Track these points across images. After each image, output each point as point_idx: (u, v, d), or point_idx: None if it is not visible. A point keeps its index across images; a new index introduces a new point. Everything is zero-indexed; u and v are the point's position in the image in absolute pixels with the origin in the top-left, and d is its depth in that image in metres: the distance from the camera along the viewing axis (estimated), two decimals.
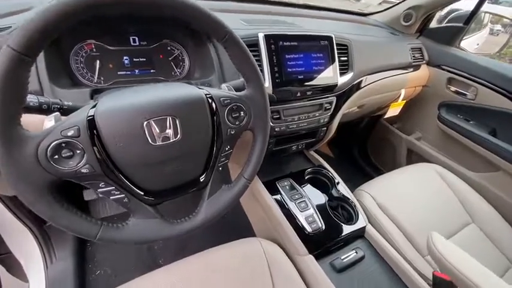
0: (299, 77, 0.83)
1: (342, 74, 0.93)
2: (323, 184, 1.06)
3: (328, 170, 1.08)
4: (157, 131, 0.44)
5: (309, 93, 0.86)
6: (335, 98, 0.94)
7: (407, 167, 1.26)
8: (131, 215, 0.49)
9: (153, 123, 0.44)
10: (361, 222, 0.93)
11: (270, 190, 0.94)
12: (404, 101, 1.41)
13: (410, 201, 1.06)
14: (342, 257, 0.83)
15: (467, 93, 1.27)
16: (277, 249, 0.80)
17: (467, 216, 1.09)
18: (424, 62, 1.34)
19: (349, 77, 0.96)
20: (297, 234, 0.83)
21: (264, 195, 0.92)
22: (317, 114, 0.92)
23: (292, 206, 0.89)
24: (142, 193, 0.49)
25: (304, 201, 0.91)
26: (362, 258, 0.85)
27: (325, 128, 1.02)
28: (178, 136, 0.46)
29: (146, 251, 1.18)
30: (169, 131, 0.45)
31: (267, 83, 0.77)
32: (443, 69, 1.32)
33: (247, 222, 1.11)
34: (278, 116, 0.84)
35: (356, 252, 0.86)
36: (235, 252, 0.77)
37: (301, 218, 0.87)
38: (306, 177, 1.04)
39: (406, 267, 0.82)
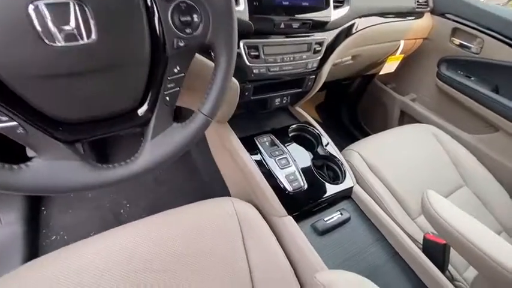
0: (284, 3, 0.66)
1: (336, 7, 0.77)
2: (309, 142, 0.94)
3: (314, 127, 0.95)
4: (53, 22, 0.29)
5: (295, 25, 0.70)
6: (326, 37, 0.79)
7: (401, 127, 1.16)
8: (36, 155, 0.35)
9: (45, 9, 0.28)
10: (348, 182, 0.83)
11: (247, 147, 0.81)
12: (402, 56, 1.27)
13: (402, 162, 0.97)
14: (325, 219, 0.74)
15: (472, 45, 1.14)
16: (250, 209, 0.69)
17: (460, 179, 1.02)
18: (428, 9, 1.18)
19: (345, 13, 0.80)
20: (276, 194, 0.72)
21: (240, 152, 0.79)
22: (304, 57, 0.77)
23: (271, 163, 0.77)
24: (48, 122, 0.34)
25: (285, 158, 0.80)
26: (347, 220, 0.76)
27: (313, 77, 0.87)
28: (93, 36, 0.31)
29: (112, 218, 1.06)
30: (74, 25, 0.30)
31: (242, 5, 0.61)
32: (448, 19, 1.17)
33: (223, 183, 0.99)
34: (257, 54, 0.69)
35: (341, 213, 0.76)
36: (202, 211, 0.66)
37: (281, 176, 0.75)
38: (289, 135, 0.91)
39: (396, 229, 0.74)
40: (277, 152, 0.80)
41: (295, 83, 0.87)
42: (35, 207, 1.00)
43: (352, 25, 0.87)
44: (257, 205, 0.76)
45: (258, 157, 0.79)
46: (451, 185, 0.99)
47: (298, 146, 0.87)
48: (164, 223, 0.62)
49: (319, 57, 0.81)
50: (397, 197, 0.87)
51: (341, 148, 1.00)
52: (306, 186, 0.76)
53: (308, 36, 0.75)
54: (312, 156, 0.87)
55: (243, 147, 0.80)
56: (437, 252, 0.69)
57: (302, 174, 0.78)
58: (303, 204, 0.74)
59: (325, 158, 0.88)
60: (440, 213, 0.59)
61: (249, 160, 0.78)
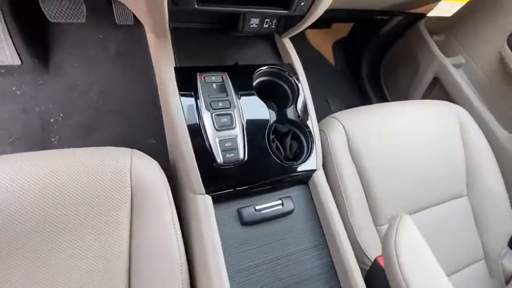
0: None
1: None
2: (280, 97, 0.68)
3: (296, 75, 0.67)
4: None
5: None
6: None
7: (419, 101, 0.85)
8: None
9: None
10: (311, 163, 0.61)
11: (182, 83, 0.56)
12: None
13: (398, 152, 0.72)
14: (258, 207, 0.56)
15: None
16: (153, 172, 0.51)
17: (464, 187, 0.79)
18: None
19: None
20: (198, 163, 0.52)
21: (168, 87, 0.55)
22: None
23: (206, 118, 0.54)
24: None
25: (229, 114, 0.55)
26: (288, 213, 0.58)
27: None
28: None
29: (39, 125, 0.90)
30: None
31: None
32: None
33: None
34: None
35: (282, 203, 0.58)
36: (92, 160, 0.47)
37: (213, 139, 0.53)
38: (255, 80, 0.64)
39: (341, 237, 0.57)
40: (220, 104, 0.55)
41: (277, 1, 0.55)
42: None
43: None
44: (177, 171, 0.57)
45: (190, 102, 0.55)
46: (449, 192, 0.77)
47: (260, 99, 0.61)
48: (45, 161, 0.45)
49: None
50: (370, 195, 0.67)
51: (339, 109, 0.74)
52: (245, 160, 0.55)
53: None
54: (275, 117, 0.62)
55: (174, 81, 0.55)
56: (381, 284, 0.53)
57: (247, 143, 0.56)
58: (232, 183, 0.54)
59: (293, 124, 0.64)
60: (401, 260, 0.39)
61: (174, 103, 0.54)
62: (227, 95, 0.57)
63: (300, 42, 1.36)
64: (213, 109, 0.54)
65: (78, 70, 0.99)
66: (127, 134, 0.94)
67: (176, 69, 0.57)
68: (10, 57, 0.90)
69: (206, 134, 0.53)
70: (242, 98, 0.59)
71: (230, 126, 0.54)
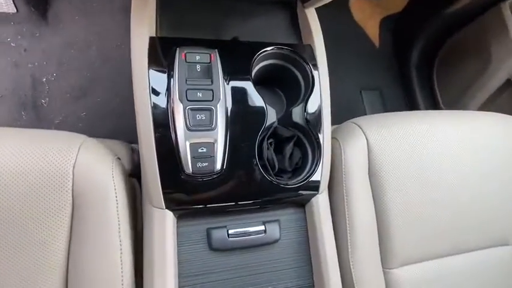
0: None
1: None
2: (289, 87, 0.52)
3: (314, 62, 0.50)
4: None
5: None
6: None
7: (481, 114, 0.64)
8: None
9: None
10: (313, 184, 0.47)
11: (154, 58, 0.42)
12: None
13: (440, 179, 0.55)
14: (233, 230, 0.44)
15: None
16: (105, 173, 0.40)
17: (509, 232, 0.61)
18: None
19: None
20: (161, 170, 0.40)
21: (136, 63, 0.42)
22: None
23: (177, 110, 0.41)
24: None
25: (209, 109, 0.41)
26: (271, 243, 0.46)
27: None
28: None
29: (30, 83, 0.83)
30: None
31: None
32: None
33: None
34: None
35: (265, 230, 0.45)
36: (27, 155, 0.38)
37: (182, 141, 0.40)
38: (256, 63, 0.48)
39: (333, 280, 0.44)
40: (200, 94, 0.41)
41: None
42: None
43: None
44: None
45: (161, 86, 0.42)
46: (490, 237, 0.59)
47: (258, 92, 0.46)
48: None
49: None
50: (384, 232, 0.52)
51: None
52: (222, 172, 0.42)
53: None
54: (278, 116, 0.48)
55: (145, 56, 0.42)
56: None
57: (229, 149, 0.43)
58: (201, 199, 0.42)
59: (299, 129, 0.49)
60: None
61: (140, 86, 0.41)
62: (212, 83, 0.42)
63: (338, 12, 1.12)
64: (188, 101, 0.41)
65: (78, 24, 0.89)
66: (120, 105, 0.85)
67: (152, 39, 0.43)
68: (4, 3, 0.81)
69: (175, 134, 0.40)
70: (233, 87, 0.44)
71: (208, 126, 0.41)
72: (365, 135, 0.52)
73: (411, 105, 1.14)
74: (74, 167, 0.38)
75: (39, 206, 0.37)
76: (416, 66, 1.11)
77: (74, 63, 0.86)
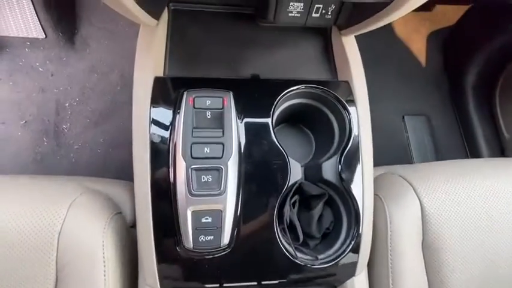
0: None
1: None
2: (322, 129, 0.42)
3: (352, 104, 0.40)
4: None
5: None
6: None
7: None
8: None
9: None
10: (348, 262, 0.37)
11: (157, 103, 0.36)
12: None
13: (502, 245, 0.41)
14: None
15: None
16: (93, 240, 0.34)
17: None
18: None
19: None
20: (156, 241, 0.33)
21: (137, 109, 0.36)
22: None
23: (179, 169, 0.33)
24: None
25: (217, 169, 0.33)
26: None
27: None
28: None
29: (54, 109, 0.82)
30: None
31: None
32: None
33: None
34: None
35: None
36: (14, 219, 0.33)
37: (183, 208, 0.32)
38: (280, 104, 0.40)
39: None
40: (207, 149, 0.33)
41: None
42: None
43: None
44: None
45: (163, 137, 0.35)
46: None
47: (279, 145, 0.37)
48: None
49: None
50: None
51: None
52: (232, 247, 0.34)
53: None
54: (303, 168, 0.38)
55: (147, 100, 0.36)
56: None
57: (240, 218, 0.34)
58: (203, 279, 0.34)
59: (331, 186, 0.39)
60: None
61: (139, 135, 0.35)
62: (223, 134, 0.34)
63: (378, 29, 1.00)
64: (193, 158, 0.33)
65: (103, 48, 0.88)
66: None
67: (157, 80, 0.37)
68: (34, 30, 0.82)
69: (175, 198, 0.33)
70: (249, 138, 0.36)
71: (215, 189, 0.33)
72: (418, 196, 0.41)
73: (466, 133, 0.96)
74: (59, 234, 0.33)
75: (23, 280, 0.31)
76: (474, 87, 0.94)
77: (97, 87, 0.85)
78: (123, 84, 0.86)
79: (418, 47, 1.05)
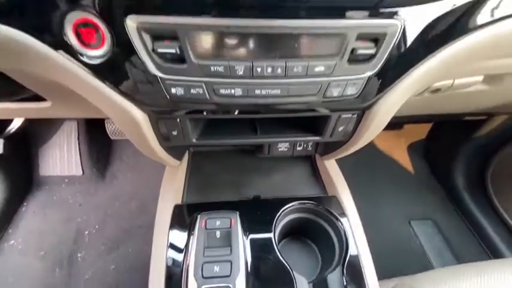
0: None
1: None
2: (324, 242, 0.46)
3: (343, 215, 0.46)
4: None
5: None
6: (396, 24, 0.29)
7: None
8: None
9: None
10: None
11: (176, 228, 0.42)
12: None
13: None
14: None
15: None
16: None
17: None
18: None
19: None
20: None
21: (158, 234, 0.42)
22: (321, 69, 0.31)
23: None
24: None
25: (226, 287, 0.36)
26: None
27: (351, 115, 0.38)
28: None
29: (73, 237, 0.88)
30: None
31: None
32: None
33: None
34: (175, 53, 0.28)
35: None
36: None
37: None
38: (281, 220, 0.46)
39: None
40: (216, 268, 0.37)
41: (306, 122, 0.41)
42: (17, 201, 0.93)
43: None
44: None
45: (178, 257, 0.39)
46: None
47: (283, 259, 0.40)
48: None
49: (370, 74, 0.32)
50: None
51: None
52: None
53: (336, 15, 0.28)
54: (310, 282, 0.39)
55: (167, 224, 0.42)
56: None
57: None
58: None
59: None
60: None
61: (157, 258, 0.39)
62: (231, 252, 0.39)
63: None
64: (204, 278, 0.36)
65: (128, 179, 1.03)
66: (149, 256, 0.82)
67: (176, 208, 0.45)
68: (75, 169, 0.99)
69: None
70: (255, 254, 0.40)
71: None
72: None
73: (476, 231, 0.95)
74: None
75: None
76: (467, 189, 0.99)
77: (116, 214, 0.93)
78: (140, 211, 0.95)
79: (403, 158, 1.19)
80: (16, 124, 0.90)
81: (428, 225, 0.95)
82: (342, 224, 0.44)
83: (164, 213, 0.44)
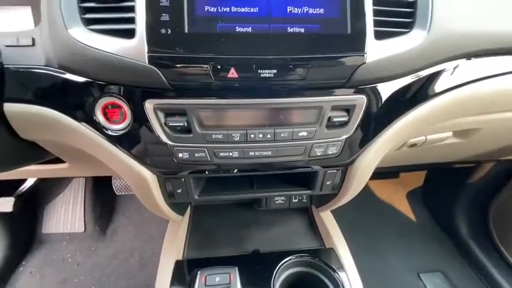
0: (241, 29, 0.31)
1: (385, 35, 0.34)
2: None
3: (340, 264, 0.47)
4: None
5: (271, 73, 0.32)
6: (363, 98, 0.36)
7: None
8: None
9: None
10: None
11: (175, 281, 0.43)
12: None
13: None
14: None
15: None
16: None
17: None
18: None
19: (413, 42, 0.35)
20: None
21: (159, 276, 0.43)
22: (304, 134, 0.37)
23: None
24: None
25: None
26: None
27: (335, 171, 0.43)
28: None
29: None
30: None
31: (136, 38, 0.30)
32: None
33: None
34: (183, 126, 0.35)
35: None
36: None
37: None
38: (280, 274, 0.46)
39: None
40: None
41: (298, 178, 0.46)
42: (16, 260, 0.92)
43: (437, 75, 0.39)
44: None
45: None
46: None
47: None
48: None
49: (346, 136, 0.38)
50: None
51: None
52: None
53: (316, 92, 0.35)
54: None
55: (168, 279, 0.43)
56: None
57: None
58: None
59: None
60: None
61: None
62: None
63: (361, 194, 1.18)
64: None
65: (129, 235, 1.02)
66: None
67: (177, 263, 0.46)
68: (77, 225, 1.00)
69: None
70: None
71: None
72: None
73: (489, 282, 0.90)
74: None
75: None
76: (472, 237, 0.98)
77: (115, 272, 0.91)
78: (139, 266, 0.93)
79: (403, 207, 1.19)
80: (29, 183, 0.95)
81: (439, 277, 0.91)
82: (339, 277, 0.45)
83: (166, 269, 0.45)
